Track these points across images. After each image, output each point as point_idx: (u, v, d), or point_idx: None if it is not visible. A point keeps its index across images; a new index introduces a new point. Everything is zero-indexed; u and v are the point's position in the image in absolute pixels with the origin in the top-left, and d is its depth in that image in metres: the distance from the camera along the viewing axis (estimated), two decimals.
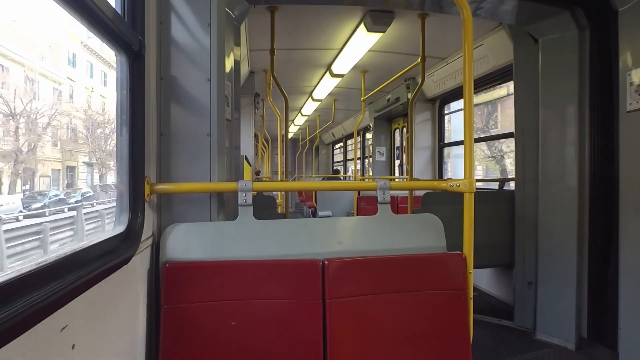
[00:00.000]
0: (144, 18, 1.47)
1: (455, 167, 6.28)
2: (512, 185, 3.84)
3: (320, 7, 3.52)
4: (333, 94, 6.93)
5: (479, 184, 5.30)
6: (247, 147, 5.37)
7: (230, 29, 1.99)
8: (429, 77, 5.27)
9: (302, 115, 9.19)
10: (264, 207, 3.68)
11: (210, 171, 1.70)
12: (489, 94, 5.41)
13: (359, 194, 5.88)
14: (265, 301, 1.60)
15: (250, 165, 5.33)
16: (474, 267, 1.73)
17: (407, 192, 4.60)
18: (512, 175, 3.89)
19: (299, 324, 1.61)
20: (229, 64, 1.86)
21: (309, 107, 8.13)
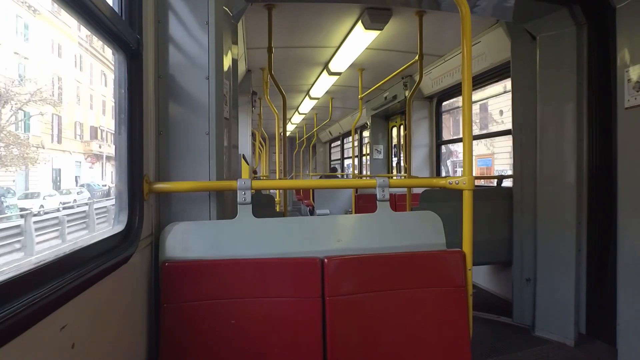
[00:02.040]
0: (142, 16, 1.46)
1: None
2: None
3: (318, 4, 3.51)
4: (330, 92, 6.92)
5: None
6: (244, 145, 5.36)
7: (228, 27, 1.98)
8: (426, 74, 5.27)
9: (300, 113, 9.18)
10: (262, 205, 3.67)
11: (209, 170, 1.69)
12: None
13: (356, 192, 5.89)
14: (264, 299, 1.60)
15: (248, 164, 5.33)
16: (473, 264, 1.73)
17: (405, 189, 4.61)
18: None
19: (299, 322, 1.60)
20: (227, 62, 1.85)
21: (307, 105, 8.12)
